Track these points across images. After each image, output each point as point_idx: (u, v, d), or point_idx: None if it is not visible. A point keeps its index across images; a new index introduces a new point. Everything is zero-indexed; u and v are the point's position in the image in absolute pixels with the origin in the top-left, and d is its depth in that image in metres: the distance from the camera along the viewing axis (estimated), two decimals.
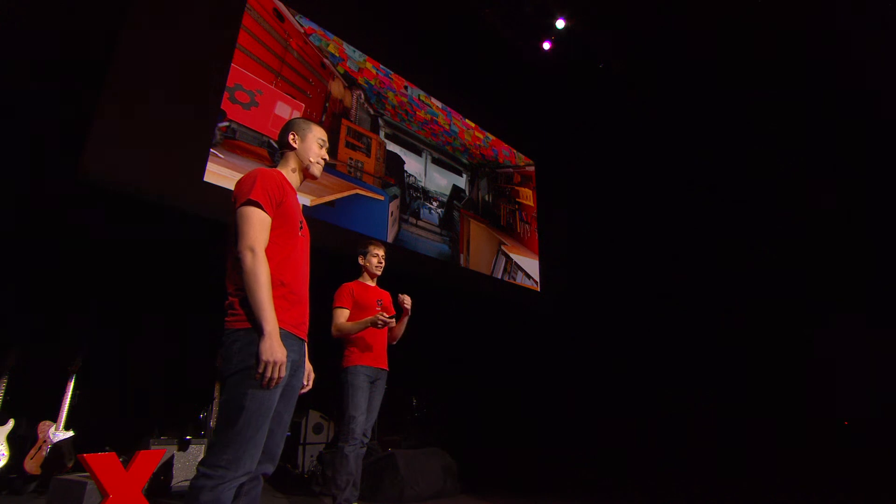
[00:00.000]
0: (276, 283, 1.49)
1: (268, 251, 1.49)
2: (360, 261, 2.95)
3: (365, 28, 5.44)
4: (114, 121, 3.39)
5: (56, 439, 2.84)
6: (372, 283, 2.95)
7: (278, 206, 1.54)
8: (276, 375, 1.39)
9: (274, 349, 1.38)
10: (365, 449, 2.66)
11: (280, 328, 1.44)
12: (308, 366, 1.75)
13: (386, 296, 2.98)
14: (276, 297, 1.47)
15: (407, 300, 2.76)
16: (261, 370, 1.37)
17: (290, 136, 1.73)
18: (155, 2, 3.76)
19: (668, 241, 7.00)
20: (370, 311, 2.79)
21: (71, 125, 3.30)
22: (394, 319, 2.66)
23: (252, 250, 1.43)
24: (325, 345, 2.81)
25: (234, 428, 1.35)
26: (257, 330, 1.40)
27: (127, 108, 3.46)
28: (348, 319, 2.75)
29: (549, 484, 4.34)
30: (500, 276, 6.28)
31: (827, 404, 5.24)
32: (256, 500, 1.48)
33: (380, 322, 2.56)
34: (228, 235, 1.53)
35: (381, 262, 2.94)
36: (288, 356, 1.45)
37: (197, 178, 3.75)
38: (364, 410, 2.63)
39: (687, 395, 6.06)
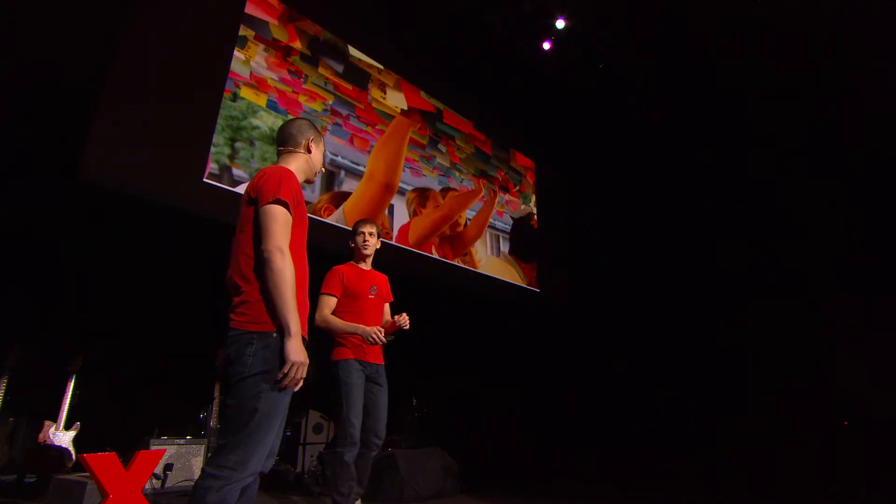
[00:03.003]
0: None
1: None
2: (351, 243, 2.74)
3: (365, 28, 5.44)
4: (114, 121, 3.39)
5: (56, 439, 2.84)
6: (366, 267, 2.72)
7: (296, 206, 1.54)
8: (299, 377, 1.39)
9: (301, 350, 1.39)
10: (377, 451, 2.54)
11: None
12: None
13: (382, 280, 2.76)
14: None
15: (405, 322, 2.41)
16: (286, 370, 1.37)
17: (311, 139, 1.71)
18: (155, 2, 3.76)
19: (667, 241, 7.00)
20: (362, 299, 2.60)
21: (71, 125, 3.30)
22: (390, 338, 2.45)
23: (281, 250, 1.41)
24: (324, 341, 2.79)
25: (245, 430, 1.34)
26: (283, 331, 1.39)
27: (127, 107, 3.46)
28: (338, 310, 2.55)
29: (549, 484, 4.34)
30: (500, 276, 6.28)
31: (827, 404, 5.24)
32: (254, 497, 1.48)
33: (371, 339, 2.36)
34: (242, 234, 1.50)
35: (366, 241, 2.68)
36: None
37: (197, 178, 3.75)
38: (360, 410, 2.46)
39: (687, 394, 6.06)
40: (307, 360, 1.41)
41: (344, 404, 2.44)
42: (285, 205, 1.47)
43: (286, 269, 1.40)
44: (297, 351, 1.38)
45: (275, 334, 1.41)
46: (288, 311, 1.38)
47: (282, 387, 1.38)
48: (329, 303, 2.54)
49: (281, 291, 1.39)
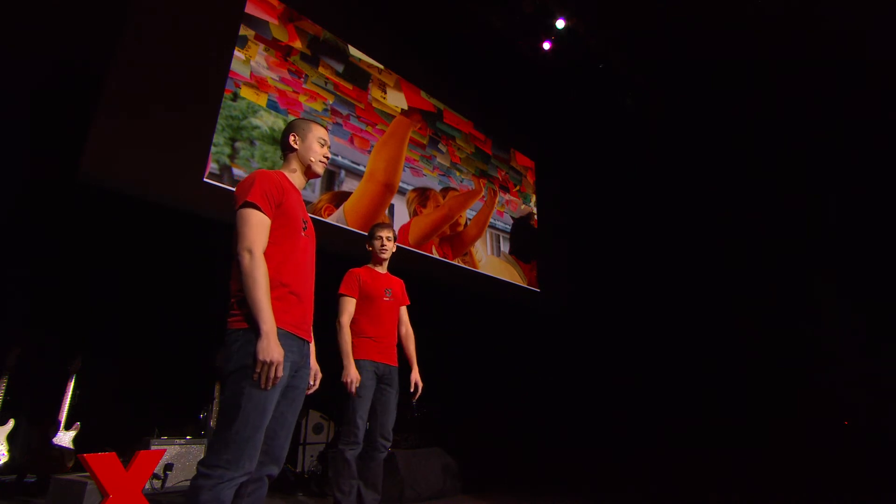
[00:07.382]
0: (276, 284, 1.50)
1: (268, 252, 1.50)
2: (367, 246, 2.78)
3: (365, 28, 5.44)
4: (114, 121, 3.39)
5: (56, 439, 2.83)
6: (382, 270, 2.77)
7: (278, 206, 1.56)
8: (272, 375, 1.39)
9: (271, 349, 1.39)
10: (386, 453, 2.55)
11: (280, 328, 1.45)
12: (314, 365, 1.76)
13: (397, 284, 2.82)
14: (276, 298, 1.48)
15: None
16: (258, 370, 1.38)
17: (291, 138, 1.74)
18: (155, 2, 3.76)
19: (668, 242, 6.99)
20: (378, 301, 2.65)
21: (71, 125, 3.30)
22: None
23: (250, 251, 1.45)
24: (326, 342, 2.76)
25: (232, 427, 1.36)
26: (255, 330, 1.40)
27: (127, 108, 3.46)
28: (355, 312, 2.61)
29: (550, 484, 4.34)
30: (500, 276, 6.28)
31: (827, 404, 5.23)
32: (261, 502, 1.49)
33: (350, 384, 2.43)
34: (233, 238, 1.55)
35: (384, 245, 2.72)
36: (287, 357, 1.46)
37: (197, 178, 3.75)
38: (367, 411, 2.48)
39: (687, 395, 6.05)
40: (279, 359, 1.40)
41: (351, 404, 2.46)
42: (255, 206, 1.50)
43: (254, 270, 1.43)
44: (265, 349, 1.38)
45: (254, 333, 1.43)
46: (258, 311, 1.40)
47: (259, 385, 1.39)
48: (348, 305, 2.60)
49: (250, 291, 1.42)
